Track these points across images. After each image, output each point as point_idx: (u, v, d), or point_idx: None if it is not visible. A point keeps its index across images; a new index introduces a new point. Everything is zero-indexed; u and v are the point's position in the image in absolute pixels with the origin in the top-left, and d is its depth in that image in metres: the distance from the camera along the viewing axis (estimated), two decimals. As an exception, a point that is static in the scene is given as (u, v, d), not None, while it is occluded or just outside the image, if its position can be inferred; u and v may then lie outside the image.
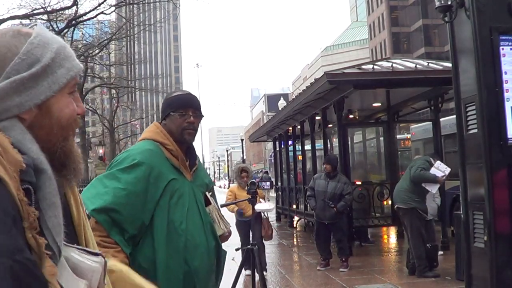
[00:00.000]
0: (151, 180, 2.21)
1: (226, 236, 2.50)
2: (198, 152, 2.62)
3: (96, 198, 2.12)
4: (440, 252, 8.28)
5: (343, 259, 7.90)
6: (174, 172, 2.30)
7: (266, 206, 6.97)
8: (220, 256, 2.41)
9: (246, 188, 6.18)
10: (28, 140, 0.96)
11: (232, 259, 2.36)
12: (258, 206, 6.42)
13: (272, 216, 18.40)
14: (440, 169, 7.42)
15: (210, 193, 2.54)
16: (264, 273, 6.40)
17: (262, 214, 7.10)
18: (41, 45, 1.03)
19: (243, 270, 5.53)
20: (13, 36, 1.01)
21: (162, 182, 2.23)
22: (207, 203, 2.46)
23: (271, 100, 75.68)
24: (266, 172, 32.03)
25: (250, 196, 5.11)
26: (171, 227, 2.21)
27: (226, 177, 64.99)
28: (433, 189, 7.44)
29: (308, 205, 8.61)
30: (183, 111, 2.36)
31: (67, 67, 1.05)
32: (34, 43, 1.02)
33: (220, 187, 58.94)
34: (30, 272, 0.80)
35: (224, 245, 2.49)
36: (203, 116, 2.44)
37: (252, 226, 6.29)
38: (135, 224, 2.16)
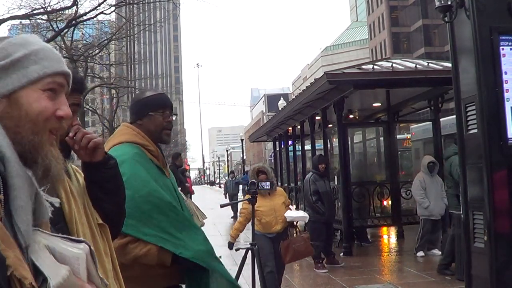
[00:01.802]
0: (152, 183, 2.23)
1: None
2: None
3: None
4: (421, 253, 8.40)
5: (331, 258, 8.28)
6: (158, 172, 2.31)
7: (299, 214, 5.84)
8: None
9: (269, 194, 5.64)
10: None
11: (219, 257, 2.34)
12: (290, 214, 5.62)
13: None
14: None
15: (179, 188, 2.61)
16: None
17: (292, 231, 5.85)
18: (17, 44, 1.12)
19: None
20: None
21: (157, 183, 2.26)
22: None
23: (271, 100, 75.64)
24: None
25: (250, 196, 5.09)
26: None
27: (226, 177, 64.89)
28: None
29: (313, 210, 8.09)
30: (162, 111, 2.35)
31: (43, 65, 1.11)
32: (11, 42, 1.12)
33: (220, 187, 58.89)
34: None
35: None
36: (176, 115, 2.50)
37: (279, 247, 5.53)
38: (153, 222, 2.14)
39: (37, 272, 0.94)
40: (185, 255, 2.11)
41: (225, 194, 19.05)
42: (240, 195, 20.73)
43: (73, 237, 1.12)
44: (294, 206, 6.01)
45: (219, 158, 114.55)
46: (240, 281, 4.86)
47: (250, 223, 5.32)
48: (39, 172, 1.07)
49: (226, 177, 28.83)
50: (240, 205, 6.37)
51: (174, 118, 2.44)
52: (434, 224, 8.43)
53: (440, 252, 8.25)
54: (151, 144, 2.31)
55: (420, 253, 8.39)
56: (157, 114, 2.33)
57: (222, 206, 5.66)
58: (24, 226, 0.98)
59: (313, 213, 7.95)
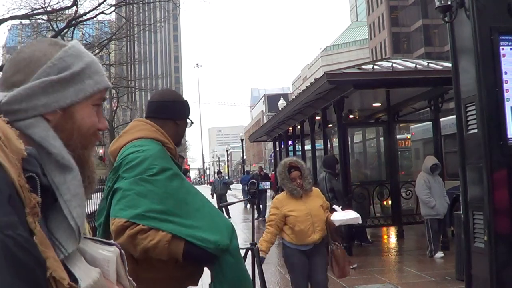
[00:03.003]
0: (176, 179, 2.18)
1: None
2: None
3: (134, 204, 2.03)
4: (441, 253, 8.30)
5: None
6: (178, 170, 2.32)
7: (350, 214, 4.59)
8: None
9: (301, 197, 4.60)
10: (51, 136, 1.02)
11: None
12: (338, 217, 4.52)
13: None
14: None
15: None
16: None
17: (336, 239, 4.81)
18: (74, 55, 1.09)
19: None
20: (50, 44, 1.09)
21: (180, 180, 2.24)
22: None
23: (271, 100, 75.68)
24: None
25: (250, 196, 5.07)
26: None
27: (226, 177, 64.87)
28: None
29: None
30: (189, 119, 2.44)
31: (95, 79, 1.11)
32: (68, 52, 1.08)
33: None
34: (21, 248, 0.81)
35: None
36: (193, 123, 2.53)
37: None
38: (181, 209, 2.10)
39: (68, 273, 0.95)
40: (201, 239, 2.02)
41: (212, 194, 18.94)
42: (237, 196, 20.70)
43: (104, 240, 1.14)
44: (340, 207, 4.77)
45: (219, 158, 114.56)
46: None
47: (247, 222, 5.07)
48: (86, 183, 1.10)
49: (226, 177, 28.71)
50: (266, 210, 5.55)
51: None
52: (438, 224, 8.39)
53: (442, 254, 8.24)
54: (171, 142, 2.29)
55: (439, 254, 8.25)
56: (188, 122, 2.41)
57: (220, 206, 5.65)
58: (83, 234, 1.03)
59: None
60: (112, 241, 1.16)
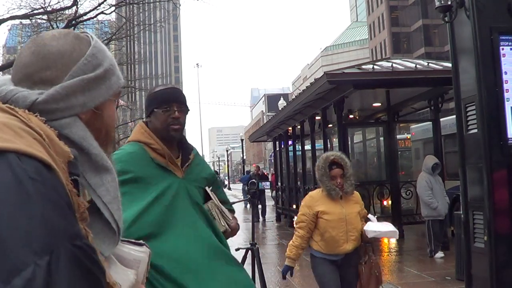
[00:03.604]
0: (130, 185, 2.15)
1: (229, 233, 2.42)
2: (198, 152, 2.57)
3: None
4: (441, 253, 8.30)
5: None
6: (155, 171, 2.24)
7: (387, 227, 4.03)
8: (221, 255, 2.29)
9: (340, 199, 3.97)
10: (89, 136, 0.99)
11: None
12: (372, 228, 3.93)
13: (272, 216, 18.40)
14: None
15: (211, 187, 2.43)
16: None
17: (369, 250, 4.10)
18: (102, 50, 1.05)
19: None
20: (75, 38, 1.03)
21: (139, 187, 2.18)
22: (207, 199, 2.39)
23: (271, 100, 75.69)
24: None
25: (250, 196, 5.06)
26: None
27: (226, 177, 64.98)
28: None
29: None
30: (167, 107, 2.26)
31: (117, 75, 1.08)
32: (97, 47, 1.04)
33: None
34: (90, 258, 0.79)
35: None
36: (189, 110, 2.34)
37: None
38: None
39: None
40: None
41: None
42: (237, 196, 20.69)
43: (134, 240, 1.12)
44: (375, 216, 4.23)
45: (219, 158, 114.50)
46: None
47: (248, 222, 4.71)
48: None
49: (226, 177, 28.70)
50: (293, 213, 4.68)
51: (184, 113, 2.30)
52: (439, 224, 8.38)
53: (443, 254, 8.24)
54: (156, 142, 2.26)
55: (439, 254, 8.25)
56: (160, 110, 2.26)
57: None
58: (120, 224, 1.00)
59: None
60: (141, 241, 1.14)
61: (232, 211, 2.59)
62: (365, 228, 3.90)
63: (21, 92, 0.94)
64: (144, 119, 2.44)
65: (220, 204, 2.43)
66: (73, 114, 0.98)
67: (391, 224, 4.10)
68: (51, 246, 0.72)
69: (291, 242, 4.13)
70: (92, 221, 0.92)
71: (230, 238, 2.50)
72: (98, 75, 1.01)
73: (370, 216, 4.07)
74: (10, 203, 0.73)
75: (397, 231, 4.01)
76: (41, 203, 0.75)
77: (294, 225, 4.18)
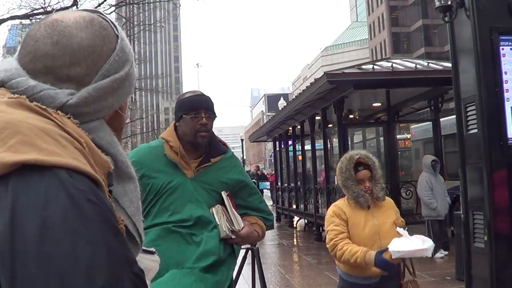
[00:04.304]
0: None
1: (236, 240, 2.39)
2: (234, 155, 2.60)
3: None
4: (441, 253, 8.31)
5: None
6: (165, 166, 2.36)
7: (414, 244, 3.02)
8: (217, 259, 2.28)
9: (369, 207, 3.24)
10: (116, 142, 0.88)
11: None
12: (397, 247, 2.98)
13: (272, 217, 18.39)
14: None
15: (228, 193, 2.43)
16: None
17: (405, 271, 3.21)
18: (126, 42, 0.93)
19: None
20: (102, 28, 0.89)
21: (144, 178, 2.28)
22: (222, 203, 2.40)
23: (271, 100, 75.68)
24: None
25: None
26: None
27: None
28: None
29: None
30: (195, 113, 2.37)
31: (134, 69, 0.97)
32: (124, 39, 0.92)
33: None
34: (144, 283, 0.72)
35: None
36: (216, 116, 2.44)
37: None
38: None
39: None
40: None
41: None
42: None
43: (146, 248, 1.04)
44: (406, 229, 3.23)
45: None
46: (240, 281, 4.87)
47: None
48: None
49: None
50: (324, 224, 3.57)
51: (211, 119, 2.41)
52: (439, 225, 8.39)
53: (442, 254, 8.24)
54: (174, 140, 2.39)
55: (439, 254, 8.24)
56: (189, 117, 2.37)
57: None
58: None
59: None
60: (153, 249, 1.07)
61: (268, 220, 2.58)
62: (389, 247, 3.00)
63: (46, 90, 0.82)
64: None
65: (233, 210, 2.40)
66: (101, 116, 0.88)
67: (425, 238, 3.16)
68: (116, 278, 0.65)
69: (342, 256, 3.12)
70: None
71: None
72: (127, 73, 0.91)
73: (399, 229, 3.20)
74: (70, 230, 0.64)
75: (428, 248, 3.05)
76: (102, 229, 0.67)
77: (329, 246, 3.22)
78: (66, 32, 0.85)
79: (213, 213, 2.35)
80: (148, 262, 1.03)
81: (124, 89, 0.91)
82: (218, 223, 2.34)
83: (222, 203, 2.39)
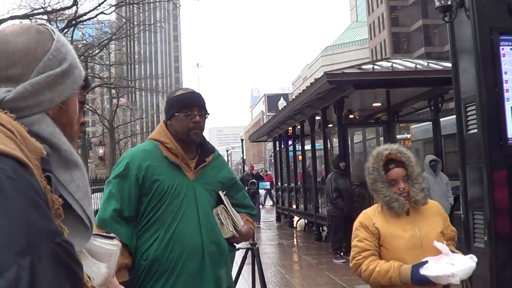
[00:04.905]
0: (137, 179, 2.25)
1: (239, 238, 2.41)
2: (220, 154, 2.59)
3: (103, 208, 2.25)
4: None
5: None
6: (166, 168, 2.31)
7: (448, 268, 2.40)
8: (221, 260, 2.31)
9: (407, 214, 2.61)
10: (58, 132, 0.98)
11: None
12: (428, 270, 2.40)
13: (272, 216, 18.41)
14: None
15: (225, 192, 2.44)
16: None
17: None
18: (64, 44, 1.04)
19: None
20: (38, 33, 1.02)
21: (148, 182, 2.26)
22: (220, 203, 2.39)
23: (271, 100, 75.64)
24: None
25: (250, 196, 5.05)
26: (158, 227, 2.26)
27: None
28: None
29: (334, 206, 8.99)
30: (188, 111, 2.32)
31: (79, 67, 1.07)
32: (60, 41, 1.03)
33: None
34: (69, 254, 0.78)
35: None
36: (208, 114, 2.39)
37: None
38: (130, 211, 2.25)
39: None
40: None
41: None
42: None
43: (105, 234, 1.14)
44: (445, 244, 2.56)
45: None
46: (240, 281, 4.87)
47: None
48: None
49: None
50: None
51: (204, 117, 2.37)
52: None
53: None
54: (171, 141, 2.33)
55: None
56: (182, 115, 2.32)
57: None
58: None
59: (334, 208, 8.98)
60: (112, 235, 1.15)
61: (253, 215, 2.60)
62: (420, 270, 2.42)
63: None
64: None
65: (232, 209, 2.42)
66: (41, 110, 0.97)
67: (465, 259, 2.53)
68: (32, 245, 0.71)
69: (370, 276, 2.55)
70: (64, 217, 0.93)
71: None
72: (64, 70, 1.01)
73: (436, 243, 2.49)
74: None
75: (466, 268, 2.49)
76: (20, 202, 0.74)
77: (352, 266, 2.70)
78: (3, 40, 0.98)
79: (217, 214, 2.35)
80: (108, 247, 1.10)
81: (64, 86, 1.01)
82: (224, 223, 2.34)
83: (220, 202, 2.39)
